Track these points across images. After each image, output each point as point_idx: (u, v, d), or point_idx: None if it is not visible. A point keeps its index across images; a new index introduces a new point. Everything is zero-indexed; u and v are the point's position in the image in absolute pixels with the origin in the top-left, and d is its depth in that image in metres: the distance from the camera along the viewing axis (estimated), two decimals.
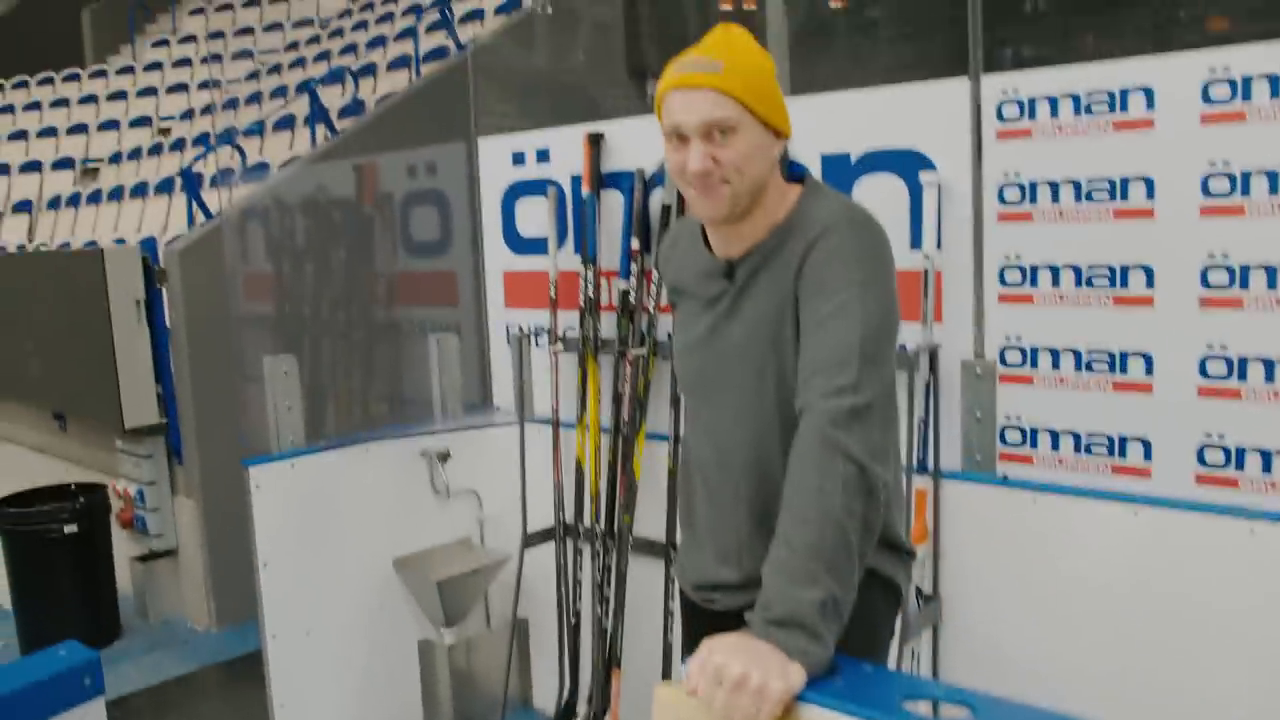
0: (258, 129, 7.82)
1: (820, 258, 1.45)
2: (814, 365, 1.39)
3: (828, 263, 1.44)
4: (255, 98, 9.05)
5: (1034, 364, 2.60)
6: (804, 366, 1.41)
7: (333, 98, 7.54)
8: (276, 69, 9.86)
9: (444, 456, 3.67)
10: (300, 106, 7.39)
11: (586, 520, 3.54)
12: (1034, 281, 2.58)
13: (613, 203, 3.53)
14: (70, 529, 4.63)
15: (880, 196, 2.84)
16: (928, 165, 2.74)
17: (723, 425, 1.60)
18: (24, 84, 11.93)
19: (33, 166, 9.77)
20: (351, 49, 9.19)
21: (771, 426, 1.54)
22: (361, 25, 9.87)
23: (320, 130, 6.03)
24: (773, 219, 1.55)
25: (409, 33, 7.81)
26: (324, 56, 9.43)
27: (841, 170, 2.92)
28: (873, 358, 1.38)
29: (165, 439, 4.92)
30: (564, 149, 3.68)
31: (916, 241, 2.76)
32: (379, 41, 8.73)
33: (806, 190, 1.58)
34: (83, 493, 4.84)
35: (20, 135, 10.48)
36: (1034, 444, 2.63)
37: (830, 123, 2.97)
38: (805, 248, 1.47)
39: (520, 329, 3.88)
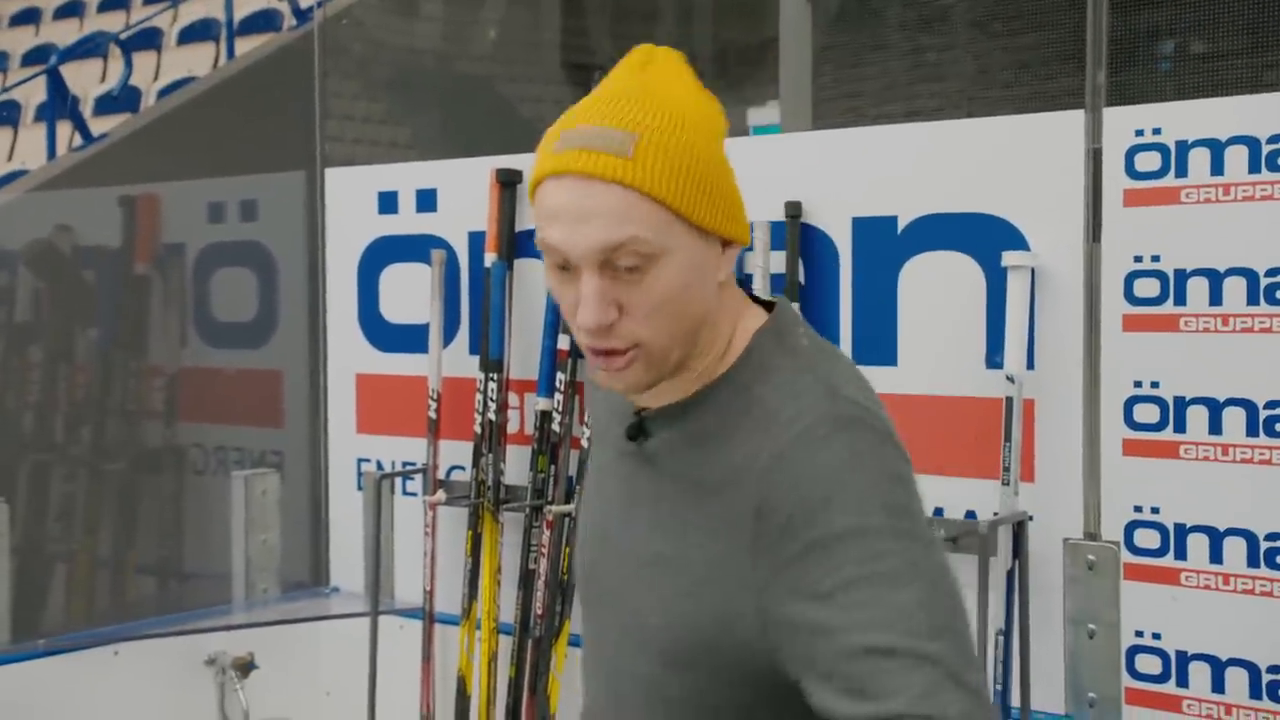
0: None
1: (802, 495, 1.38)
2: (859, 650, 1.31)
3: (819, 504, 1.37)
4: None
5: (1181, 552, 2.70)
6: (830, 660, 1.33)
7: (87, 79, 7.63)
8: None
9: (245, 667, 3.62)
10: (31, 91, 7.48)
11: None
12: (1181, 423, 2.69)
13: (532, 278, 3.63)
14: None
15: (942, 287, 2.98)
16: (1015, 241, 2.88)
17: (617, 668, 1.59)
18: None
19: None
20: (119, 1, 9.35)
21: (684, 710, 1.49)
22: None
23: (64, 132, 6.09)
24: (712, 367, 1.52)
25: None
26: (71, 11, 9.49)
27: (882, 243, 3.06)
28: (958, 632, 1.34)
29: None
30: (460, 191, 3.77)
31: (995, 356, 2.88)
32: None
33: (769, 329, 1.53)
34: None
35: None
36: (1183, 679, 2.69)
37: (867, 171, 3.12)
38: (766, 462, 1.41)
39: (379, 466, 3.93)
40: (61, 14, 9.54)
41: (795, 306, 1.66)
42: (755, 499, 1.41)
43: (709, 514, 1.46)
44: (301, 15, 6.26)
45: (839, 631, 1.33)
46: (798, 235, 3.18)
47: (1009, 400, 2.84)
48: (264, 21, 7.18)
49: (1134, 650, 2.77)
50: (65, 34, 8.84)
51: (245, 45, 6.53)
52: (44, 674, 3.38)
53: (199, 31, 7.89)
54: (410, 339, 3.87)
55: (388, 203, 3.93)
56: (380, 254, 3.97)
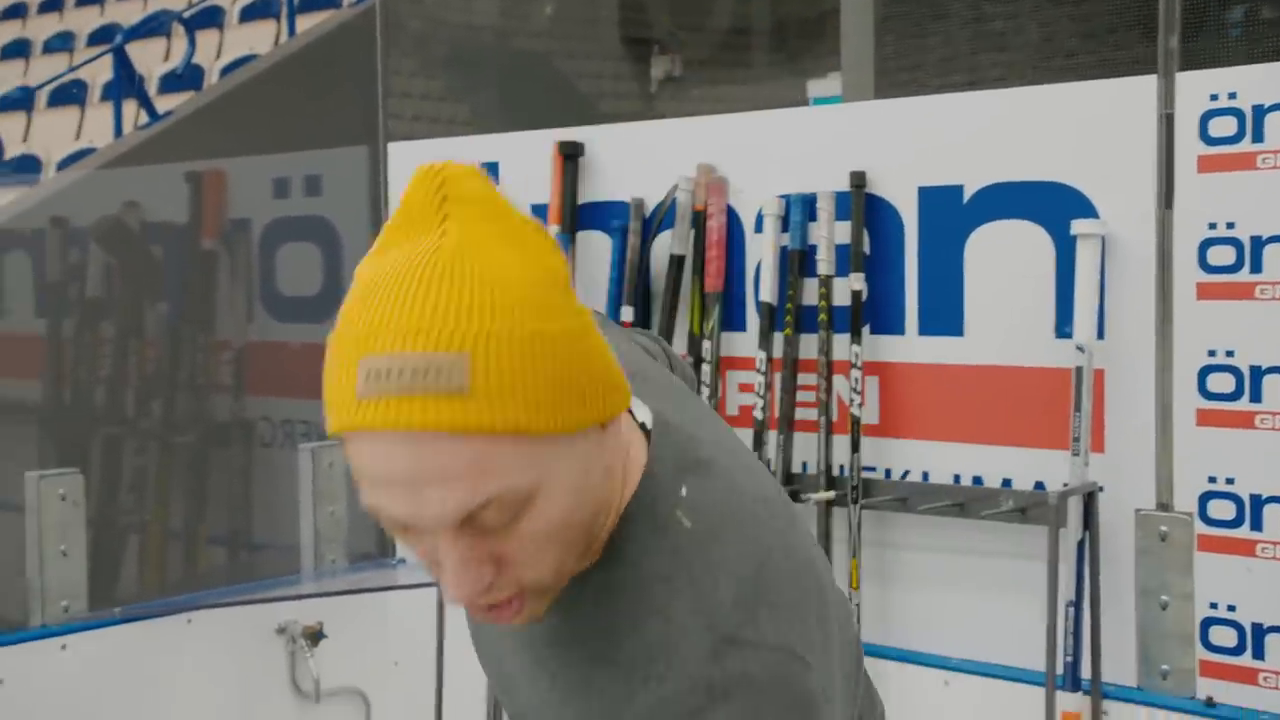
0: (22, 100, 7.93)
1: None
2: None
3: None
4: (18, 49, 9.20)
5: (1257, 523, 2.66)
6: None
7: (150, 58, 7.70)
8: (55, 4, 9.95)
9: (315, 636, 3.68)
10: (97, 70, 7.55)
11: None
12: (1257, 393, 2.66)
13: (594, 249, 3.63)
14: None
15: (1010, 256, 2.95)
16: (1084, 209, 2.85)
17: None
18: None
19: None
20: None
21: None
22: None
23: (130, 110, 6.15)
24: (593, 549, 1.22)
25: None
26: None
27: (948, 212, 3.04)
28: None
29: None
30: (521, 164, 3.77)
31: (1064, 326, 2.86)
32: None
33: (641, 503, 1.22)
34: None
35: None
36: (1259, 651, 2.67)
37: (932, 139, 3.09)
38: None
39: None
40: None
41: (681, 421, 1.31)
42: None
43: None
44: None
45: None
46: (863, 205, 3.15)
47: (1079, 370, 2.81)
48: None
49: (1208, 622, 2.74)
50: (129, 13, 8.91)
51: (306, 22, 6.55)
52: (120, 641, 3.46)
53: (260, 9, 7.94)
54: None
55: None
56: None
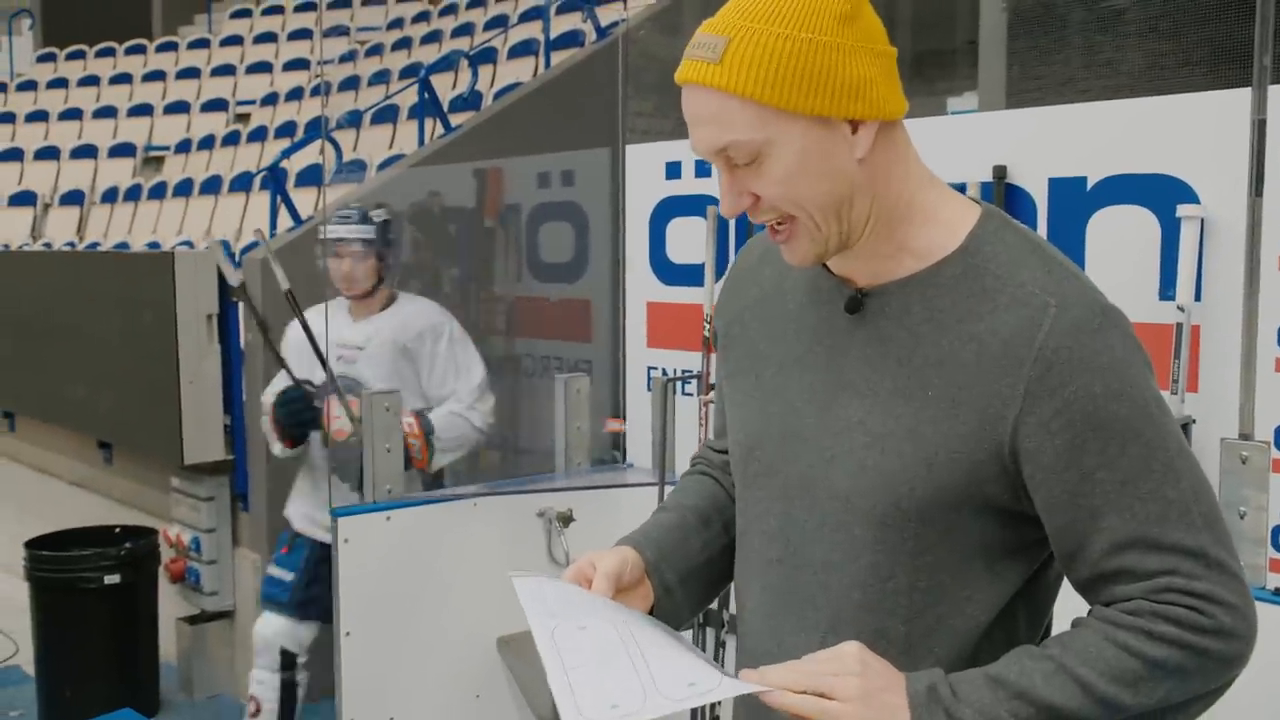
0: (353, 120, 8.30)
1: (1087, 386, 1.18)
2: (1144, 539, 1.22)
3: (1105, 396, 1.18)
4: (351, 83, 9.60)
5: None
6: (1117, 540, 1.22)
7: (442, 87, 7.94)
8: (377, 50, 10.38)
9: (566, 519, 3.77)
10: (405, 96, 7.82)
11: (734, 609, 3.65)
12: None
13: None
14: (111, 579, 4.85)
15: (1124, 234, 2.91)
16: (1188, 196, 2.80)
17: (815, 557, 1.33)
18: (79, 55, 12.92)
19: (86, 152, 10.57)
20: (466, 29, 9.66)
21: (891, 598, 1.27)
22: (478, 2, 10.34)
23: (430, 125, 6.32)
24: (927, 242, 1.26)
25: (536, 13, 8.17)
26: (433, 38, 9.93)
27: (1073, 199, 3.00)
28: (1220, 517, 1.28)
29: (230, 479, 5.21)
30: None
31: (1168, 290, 2.82)
32: (499, 22, 9.17)
33: (994, 214, 1.29)
34: (128, 537, 5.11)
35: (73, 114, 11.32)
36: None
37: (1061, 140, 3.05)
38: (1041, 345, 1.19)
39: (664, 373, 4.06)
40: (426, 40, 9.95)
41: None
42: (1021, 380, 1.19)
43: (948, 386, 1.21)
44: (601, 32, 6.37)
45: (1126, 515, 1.21)
46: (1003, 193, 3.11)
47: (1179, 326, 2.75)
48: (569, 39, 7.33)
49: (1278, 529, 2.65)
50: (429, 54, 9.20)
51: (557, 57, 6.68)
52: (427, 516, 3.59)
53: (523, 49, 8.12)
54: (689, 275, 3.96)
55: (673, 170, 4.01)
56: (667, 210, 4.06)
